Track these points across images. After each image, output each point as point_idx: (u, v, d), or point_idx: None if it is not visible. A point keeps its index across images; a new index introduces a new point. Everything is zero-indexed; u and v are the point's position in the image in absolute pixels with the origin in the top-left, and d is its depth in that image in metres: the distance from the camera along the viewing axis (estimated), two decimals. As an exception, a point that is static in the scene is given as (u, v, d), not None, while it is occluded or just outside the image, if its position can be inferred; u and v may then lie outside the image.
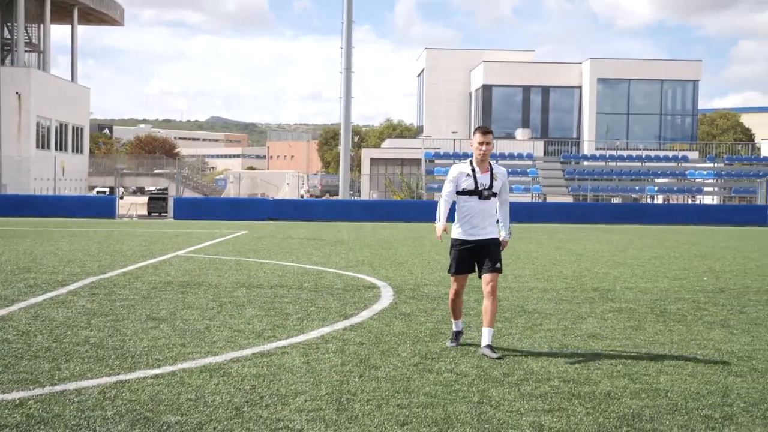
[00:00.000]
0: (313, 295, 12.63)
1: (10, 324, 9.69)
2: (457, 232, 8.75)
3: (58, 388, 6.82)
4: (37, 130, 59.94)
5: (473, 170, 8.65)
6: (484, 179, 8.61)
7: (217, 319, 10.27)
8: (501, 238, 8.83)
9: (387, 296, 12.59)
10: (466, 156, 56.91)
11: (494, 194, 8.65)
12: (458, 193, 8.67)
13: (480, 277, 8.67)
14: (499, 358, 8.06)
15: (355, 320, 10.30)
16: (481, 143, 8.58)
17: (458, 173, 8.69)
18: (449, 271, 8.89)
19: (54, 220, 38.04)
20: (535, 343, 9.06)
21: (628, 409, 6.41)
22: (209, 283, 13.92)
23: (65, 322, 9.89)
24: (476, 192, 8.58)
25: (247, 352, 8.28)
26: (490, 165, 8.70)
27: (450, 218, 8.63)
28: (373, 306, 11.52)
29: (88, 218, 41.19)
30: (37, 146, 59.81)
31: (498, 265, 8.61)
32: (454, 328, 8.91)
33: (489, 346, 8.30)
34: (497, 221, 8.85)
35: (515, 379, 7.28)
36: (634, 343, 9.07)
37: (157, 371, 7.42)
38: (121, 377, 7.19)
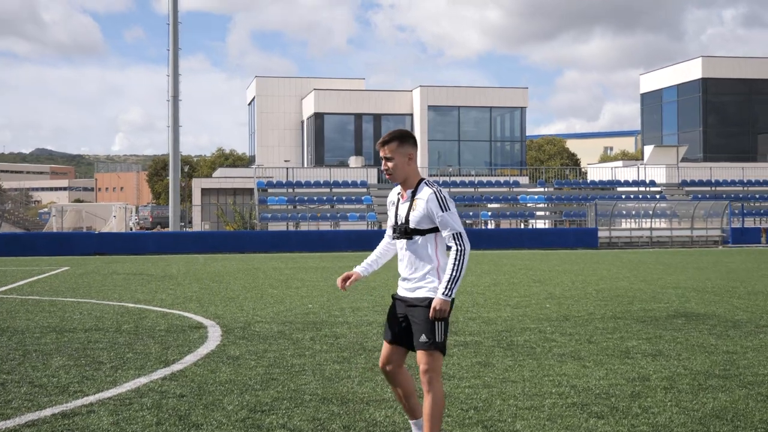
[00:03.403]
0: (131, 338, 11.29)
1: None
2: None
3: None
4: None
5: (398, 197, 6.07)
6: (402, 209, 5.96)
7: (17, 372, 8.87)
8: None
9: (214, 337, 11.38)
10: (299, 185, 56.15)
11: (416, 231, 5.84)
12: None
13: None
14: None
15: (176, 367, 9.11)
16: (381, 158, 5.98)
17: (389, 202, 6.20)
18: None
19: None
20: (377, 386, 8.07)
21: (485, 466, 5.62)
22: (15, 329, 12.32)
23: None
24: (395, 228, 6.03)
25: (47, 412, 7.02)
26: (417, 187, 5.90)
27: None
28: (198, 349, 10.32)
29: None
30: None
31: (426, 339, 5.74)
32: None
33: None
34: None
35: (357, 434, 6.38)
36: (484, 382, 8.24)
37: (-69, 443, 6.19)
38: None
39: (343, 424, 6.66)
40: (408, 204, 5.88)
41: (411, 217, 5.83)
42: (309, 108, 71.50)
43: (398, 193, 6.04)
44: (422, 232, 5.83)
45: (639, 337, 11.33)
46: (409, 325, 5.92)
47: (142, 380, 8.36)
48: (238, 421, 6.75)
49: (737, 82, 72.40)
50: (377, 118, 70.92)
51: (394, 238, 6.10)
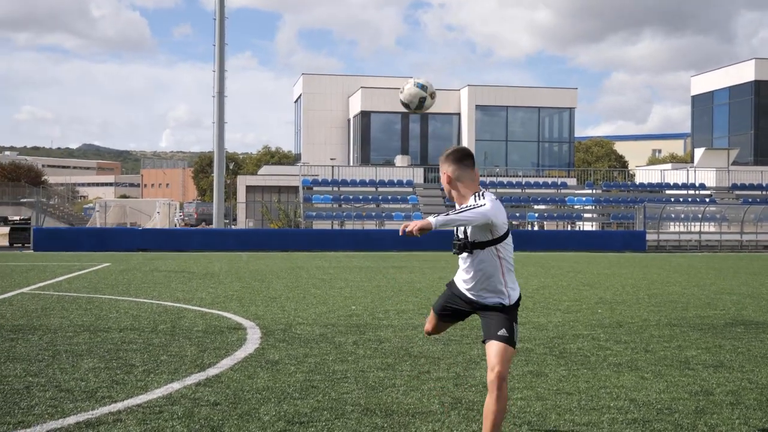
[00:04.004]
0: (167, 339, 10.75)
1: None
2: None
3: None
4: None
5: None
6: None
7: (44, 374, 8.34)
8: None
9: (253, 339, 10.84)
10: (345, 183, 55.79)
11: (475, 244, 5.75)
12: None
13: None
14: None
15: (212, 372, 8.57)
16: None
17: None
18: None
19: None
20: (423, 397, 7.53)
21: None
22: (48, 327, 11.80)
23: None
24: (455, 244, 5.88)
25: (71, 420, 6.51)
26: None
27: None
28: (236, 352, 9.78)
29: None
30: None
31: (505, 333, 5.69)
32: None
33: None
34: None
35: (401, 450, 5.91)
36: (536, 394, 7.68)
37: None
38: None
39: (387, 438, 6.17)
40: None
41: (468, 231, 5.73)
42: (356, 106, 71.10)
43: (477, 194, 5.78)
44: (482, 245, 5.74)
45: (698, 346, 10.71)
46: (460, 312, 6.17)
47: (175, 386, 7.87)
48: (274, 433, 6.30)
49: (791, 84, 71.06)
50: (424, 117, 70.26)
51: (456, 254, 5.95)
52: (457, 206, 5.73)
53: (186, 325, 12.28)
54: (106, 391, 7.61)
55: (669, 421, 6.80)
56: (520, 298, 6.09)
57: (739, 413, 7.09)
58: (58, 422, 6.51)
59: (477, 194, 5.72)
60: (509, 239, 5.90)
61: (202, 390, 7.70)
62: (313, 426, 6.49)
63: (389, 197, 54.95)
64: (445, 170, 5.84)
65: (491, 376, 5.48)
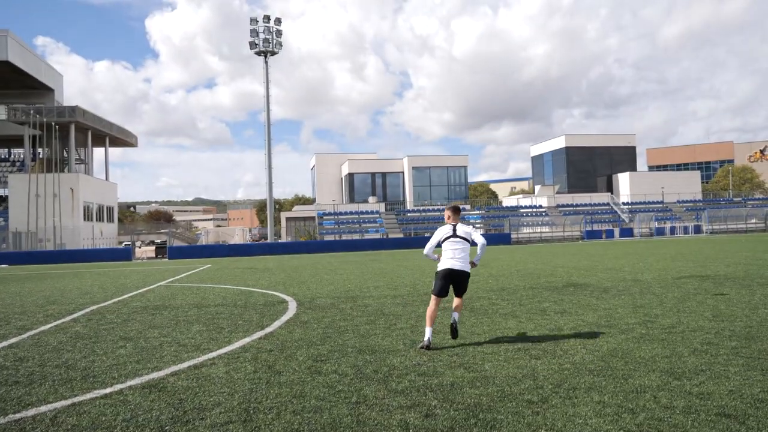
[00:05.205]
0: (242, 310, 10.17)
1: (11, 351, 7.18)
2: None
3: (18, 415, 4.65)
4: (84, 210, 55.02)
5: (452, 227, 6.88)
6: (458, 229, 6.83)
7: (171, 336, 7.84)
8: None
9: (292, 308, 10.30)
10: (341, 213, 55.14)
11: (464, 238, 6.81)
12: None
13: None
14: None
15: (268, 330, 8.05)
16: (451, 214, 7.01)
17: (443, 230, 6.94)
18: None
19: (90, 264, 34.00)
20: (393, 340, 7.06)
21: (470, 399, 4.67)
22: (174, 306, 11.24)
23: (57, 346, 7.34)
24: (449, 237, 6.82)
25: (185, 365, 6.06)
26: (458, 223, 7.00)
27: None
28: (282, 317, 9.23)
29: (113, 261, 37.42)
30: (84, 219, 54.85)
31: (463, 290, 6.87)
32: None
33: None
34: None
35: (382, 376, 5.42)
36: (461, 335, 7.20)
37: (108, 390, 5.22)
38: (77, 399, 4.99)
39: (373, 369, 5.71)
40: (454, 227, 6.85)
41: (459, 231, 6.81)
42: (345, 170, 70.71)
43: (452, 226, 6.88)
44: (467, 240, 6.80)
45: (549, 300, 10.31)
46: (455, 283, 6.72)
47: (247, 340, 7.36)
48: (306, 368, 5.81)
49: (584, 148, 71.66)
50: (383, 175, 70.01)
51: (451, 241, 6.77)
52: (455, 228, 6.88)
53: (253, 301, 11.72)
54: (206, 345, 7.14)
55: (539, 348, 6.39)
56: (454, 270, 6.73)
57: (580, 341, 6.70)
58: (178, 366, 6.07)
59: (453, 225, 6.91)
60: (454, 242, 6.80)
61: (262, 342, 7.21)
62: (329, 362, 6.05)
63: (366, 220, 54.40)
64: (447, 212, 6.99)
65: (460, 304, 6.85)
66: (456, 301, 6.82)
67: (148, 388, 5.24)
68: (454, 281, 6.68)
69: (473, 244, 6.87)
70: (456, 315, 6.76)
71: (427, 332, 6.50)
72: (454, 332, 6.69)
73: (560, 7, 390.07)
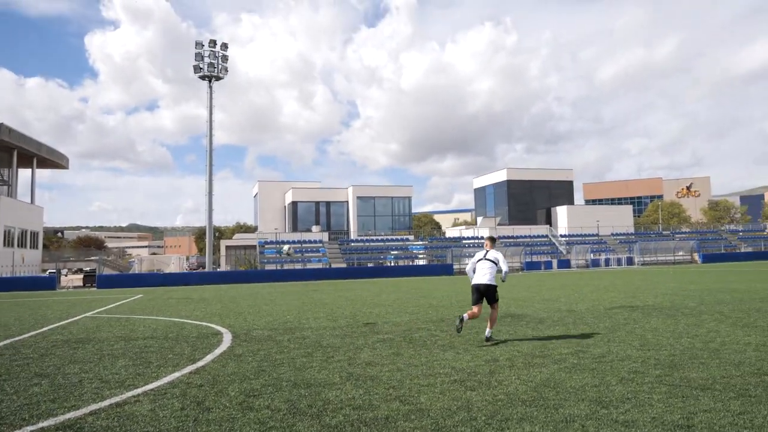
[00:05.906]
0: (173, 343, 9.77)
1: None
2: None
3: None
4: (5, 234, 52.22)
5: (486, 250, 9.15)
6: (489, 254, 9.08)
7: (93, 371, 7.42)
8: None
9: (227, 340, 9.98)
10: (283, 242, 54.48)
11: (493, 262, 9.02)
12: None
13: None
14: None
15: (200, 364, 7.76)
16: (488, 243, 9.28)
17: (479, 254, 9.15)
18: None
19: (8, 294, 31.72)
20: (330, 373, 6.95)
21: (402, 432, 4.63)
22: (99, 338, 10.65)
23: (-34, 383, 6.79)
24: (483, 259, 9.09)
25: (106, 403, 5.75)
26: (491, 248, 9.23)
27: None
28: (216, 350, 8.92)
29: (35, 290, 35.50)
30: (4, 245, 51.98)
31: (496, 299, 9.15)
32: None
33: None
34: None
35: (316, 410, 5.31)
36: (397, 367, 7.18)
37: None
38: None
39: (307, 403, 5.60)
40: (486, 252, 9.03)
41: (489, 255, 8.96)
42: (289, 198, 70.24)
43: (486, 251, 9.08)
44: (494, 262, 8.93)
45: (485, 331, 10.41)
46: (485, 294, 8.85)
47: (176, 375, 7.08)
48: (237, 404, 5.64)
49: (525, 181, 73.59)
50: (327, 204, 69.89)
51: (482, 263, 9.03)
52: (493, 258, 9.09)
53: (185, 333, 11.31)
54: (131, 381, 6.82)
55: (474, 379, 6.43)
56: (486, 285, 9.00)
57: (514, 371, 6.76)
58: (98, 404, 5.74)
59: (487, 250, 9.04)
60: (484, 263, 9.05)
61: (192, 377, 6.95)
62: (262, 397, 5.89)
63: (309, 249, 53.94)
64: (486, 241, 9.22)
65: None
66: (491, 313, 8.94)
67: (63, 430, 4.94)
68: (483, 293, 8.73)
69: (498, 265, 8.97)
70: (488, 332, 8.80)
71: (465, 316, 8.68)
72: (488, 340, 8.74)
73: (504, 45, 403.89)
